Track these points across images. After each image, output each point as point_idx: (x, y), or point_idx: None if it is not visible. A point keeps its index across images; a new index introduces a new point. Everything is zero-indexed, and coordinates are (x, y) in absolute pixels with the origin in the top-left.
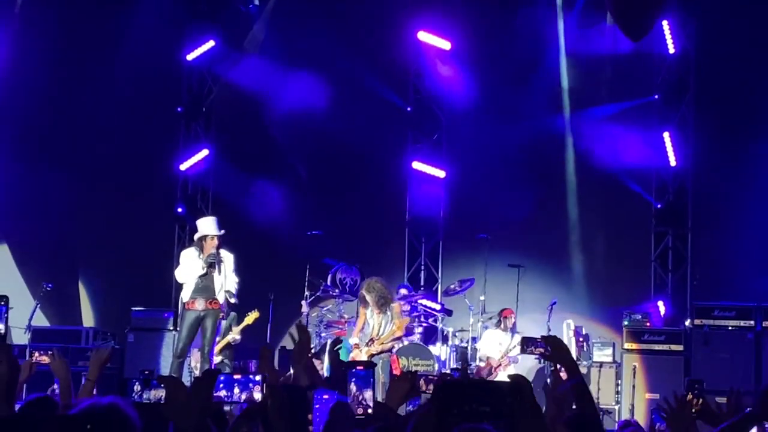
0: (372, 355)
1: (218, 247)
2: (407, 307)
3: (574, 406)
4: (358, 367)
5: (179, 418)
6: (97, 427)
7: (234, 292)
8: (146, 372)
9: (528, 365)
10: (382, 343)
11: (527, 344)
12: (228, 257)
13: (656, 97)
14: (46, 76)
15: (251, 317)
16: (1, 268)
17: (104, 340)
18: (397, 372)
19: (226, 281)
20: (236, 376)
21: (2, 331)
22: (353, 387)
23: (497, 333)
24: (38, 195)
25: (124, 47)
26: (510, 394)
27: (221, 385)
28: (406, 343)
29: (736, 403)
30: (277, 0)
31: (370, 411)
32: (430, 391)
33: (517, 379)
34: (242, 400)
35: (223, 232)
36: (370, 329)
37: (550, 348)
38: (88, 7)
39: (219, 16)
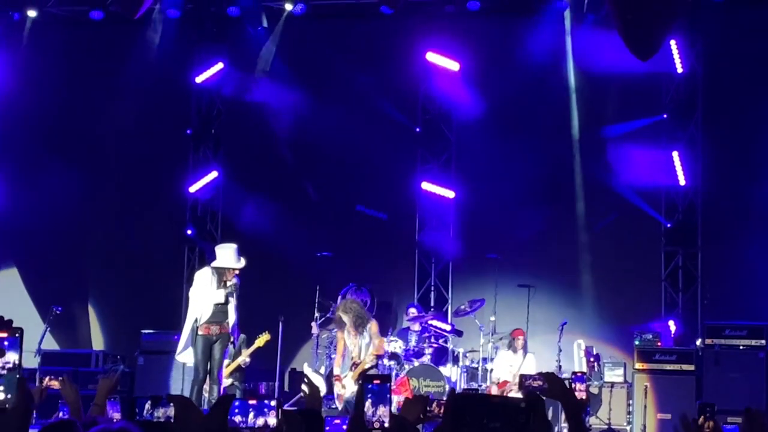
0: (357, 380)
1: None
2: (420, 321)
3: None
4: (375, 382)
5: None
6: None
7: (236, 337)
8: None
9: None
10: (364, 367)
11: (525, 379)
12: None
13: (665, 116)
14: (54, 100)
15: (262, 339)
16: (10, 292)
17: (114, 363)
18: (408, 394)
19: (235, 317)
20: (251, 401)
21: (17, 363)
22: (368, 403)
23: (508, 354)
24: (47, 218)
25: (133, 70)
26: (523, 411)
27: (236, 410)
28: (416, 364)
29: (760, 423)
30: (285, 22)
31: (386, 425)
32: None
33: (530, 396)
34: (257, 426)
35: (244, 264)
36: (350, 353)
37: (547, 384)
38: (96, 30)
39: (227, 38)
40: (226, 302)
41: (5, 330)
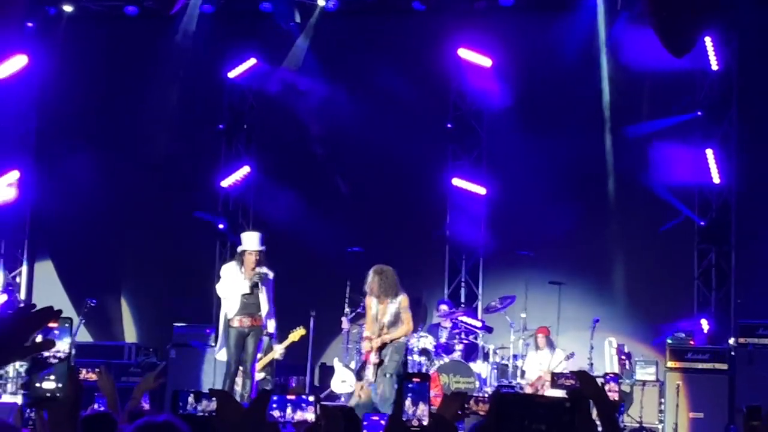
0: (380, 348)
1: (258, 263)
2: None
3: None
4: (414, 380)
5: None
6: None
7: (273, 332)
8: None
9: None
10: (391, 339)
11: (557, 378)
12: (269, 274)
13: (699, 113)
14: (89, 95)
15: (297, 334)
16: (45, 284)
17: (146, 355)
18: (437, 390)
19: (269, 305)
20: (290, 397)
21: (67, 352)
22: (408, 401)
23: (536, 355)
24: (82, 211)
25: (166, 65)
26: (568, 410)
27: (274, 405)
28: (447, 360)
29: None
30: (317, 17)
31: (425, 423)
32: (481, 411)
33: (574, 394)
34: (295, 420)
35: (262, 248)
36: (379, 317)
37: (580, 382)
38: (130, 26)
39: (260, 33)
40: (254, 293)
41: (56, 320)
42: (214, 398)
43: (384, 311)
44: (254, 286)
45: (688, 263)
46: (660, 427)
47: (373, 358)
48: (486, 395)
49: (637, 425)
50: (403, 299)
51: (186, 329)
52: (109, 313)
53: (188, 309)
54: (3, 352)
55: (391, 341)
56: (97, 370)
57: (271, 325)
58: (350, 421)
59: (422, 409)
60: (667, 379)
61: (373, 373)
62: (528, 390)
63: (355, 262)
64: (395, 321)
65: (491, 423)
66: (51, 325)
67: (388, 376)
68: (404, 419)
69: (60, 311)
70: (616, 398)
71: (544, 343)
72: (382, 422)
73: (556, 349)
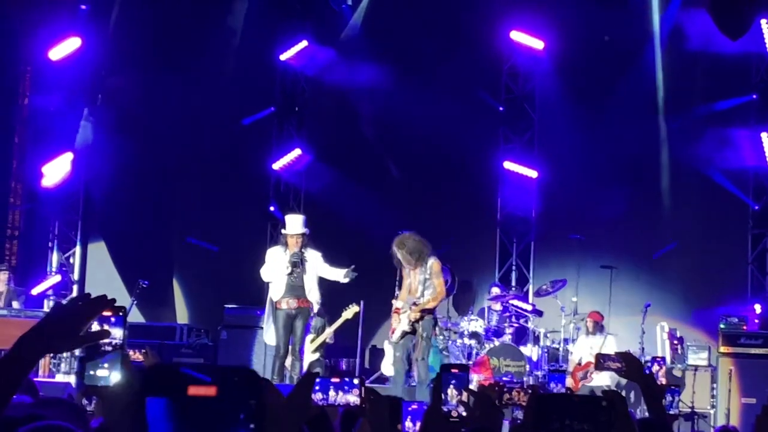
0: (414, 321)
1: (302, 246)
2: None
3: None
4: (453, 370)
5: (272, 423)
6: None
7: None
8: None
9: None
10: (422, 309)
11: (603, 360)
12: (314, 256)
13: (754, 96)
14: (141, 77)
15: (350, 311)
16: (98, 265)
17: (198, 336)
18: (488, 374)
19: (313, 284)
20: (334, 380)
21: (121, 341)
22: (450, 390)
23: (587, 339)
24: (134, 193)
25: (218, 47)
26: (605, 410)
27: (317, 388)
28: (497, 343)
29: None
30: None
31: (464, 414)
32: (523, 402)
33: (610, 394)
34: (338, 404)
35: (305, 231)
36: (410, 288)
37: (625, 364)
38: (183, 7)
39: (312, 15)
40: (295, 273)
41: (110, 309)
42: None
43: (418, 279)
44: (294, 266)
45: (742, 248)
46: (712, 412)
47: (406, 326)
48: (527, 387)
49: (689, 410)
50: (433, 263)
51: (237, 311)
52: (161, 295)
53: (239, 291)
54: (59, 342)
55: (429, 312)
56: (143, 350)
57: (315, 306)
58: (394, 409)
59: (462, 399)
60: (719, 364)
61: (399, 337)
62: (577, 373)
63: None
64: (426, 288)
65: (530, 423)
66: (105, 313)
67: (420, 360)
68: (444, 409)
69: (114, 300)
70: (663, 382)
71: (592, 327)
72: (425, 407)
73: (607, 335)
